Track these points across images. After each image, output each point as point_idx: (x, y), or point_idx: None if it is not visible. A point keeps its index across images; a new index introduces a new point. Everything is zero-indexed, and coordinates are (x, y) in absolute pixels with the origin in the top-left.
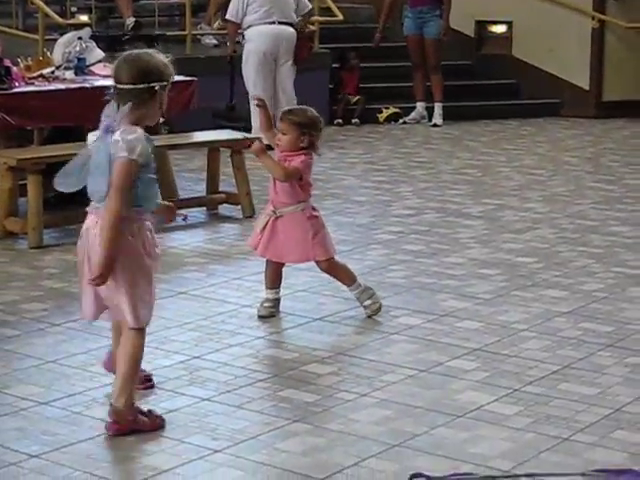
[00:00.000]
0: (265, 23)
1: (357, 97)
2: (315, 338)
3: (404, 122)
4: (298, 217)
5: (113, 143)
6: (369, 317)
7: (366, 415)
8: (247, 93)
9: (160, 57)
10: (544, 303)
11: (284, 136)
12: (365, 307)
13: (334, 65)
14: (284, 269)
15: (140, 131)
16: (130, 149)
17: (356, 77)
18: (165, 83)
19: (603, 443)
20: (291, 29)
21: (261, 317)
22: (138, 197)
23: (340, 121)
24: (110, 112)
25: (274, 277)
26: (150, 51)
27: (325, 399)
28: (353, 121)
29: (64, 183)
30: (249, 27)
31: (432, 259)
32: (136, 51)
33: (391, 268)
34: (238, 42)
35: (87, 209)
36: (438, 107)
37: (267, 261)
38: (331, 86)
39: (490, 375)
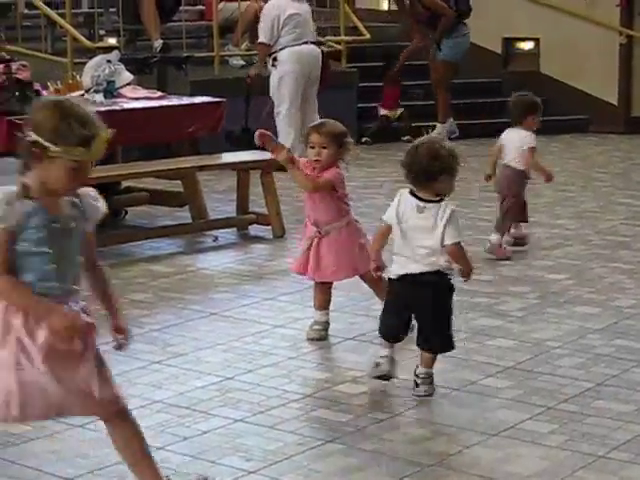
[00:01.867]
0: (300, 44)
1: (399, 111)
2: (347, 358)
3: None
4: (344, 232)
5: None
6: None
7: (400, 435)
8: (270, 113)
9: (80, 109)
10: (577, 320)
11: (325, 150)
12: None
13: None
14: None
15: (8, 191)
16: None
17: (398, 89)
18: (56, 148)
19: (639, 460)
20: (318, 49)
21: (310, 340)
22: (21, 270)
23: (368, 139)
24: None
25: (324, 298)
26: (85, 109)
27: (358, 419)
28: (404, 138)
29: None
30: (283, 49)
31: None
32: (69, 101)
33: None
34: (265, 64)
35: None
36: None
37: (315, 282)
38: (359, 105)
39: (524, 393)
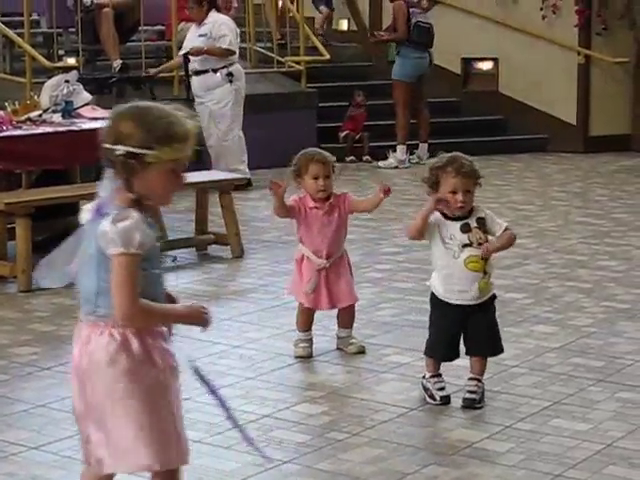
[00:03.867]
0: (237, 62)
1: (360, 134)
2: (306, 378)
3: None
4: (343, 258)
5: (100, 235)
6: (354, 353)
7: (357, 455)
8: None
9: (173, 117)
10: (534, 339)
11: (329, 179)
12: (351, 344)
13: (346, 103)
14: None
15: (135, 215)
16: (125, 241)
17: (362, 114)
18: (152, 152)
19: (595, 479)
20: None
21: (299, 357)
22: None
23: (354, 158)
24: (105, 186)
25: (311, 320)
26: (165, 106)
27: (316, 439)
28: (364, 158)
29: (47, 277)
30: (234, 64)
31: (422, 296)
32: (145, 103)
33: (381, 306)
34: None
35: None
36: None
37: (302, 307)
38: (319, 125)
39: (481, 412)
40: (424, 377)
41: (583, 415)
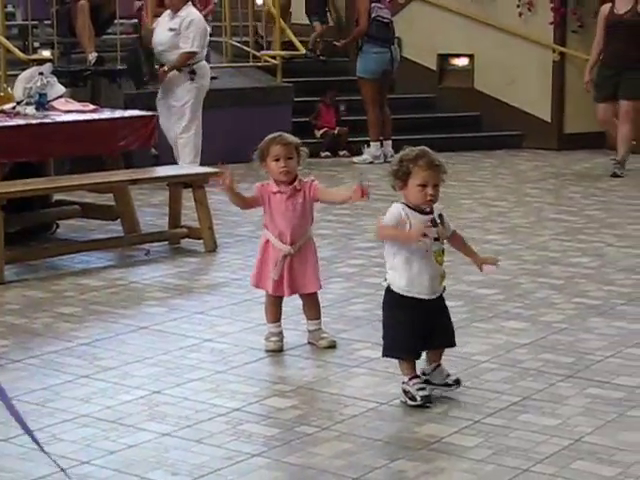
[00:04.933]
0: (204, 59)
1: (337, 129)
2: (275, 372)
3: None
4: (310, 245)
5: None
6: (325, 348)
7: (326, 449)
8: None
9: None
10: (505, 334)
11: (291, 160)
12: (322, 338)
13: (317, 98)
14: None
15: None
16: None
17: (332, 112)
18: None
19: (563, 474)
20: None
21: (270, 351)
22: None
23: (328, 153)
24: None
25: (279, 310)
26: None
27: (285, 433)
28: (341, 153)
29: None
30: (198, 62)
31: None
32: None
33: (353, 301)
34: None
35: None
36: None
37: (269, 296)
38: (294, 119)
39: (450, 407)
40: (403, 382)
41: (552, 410)
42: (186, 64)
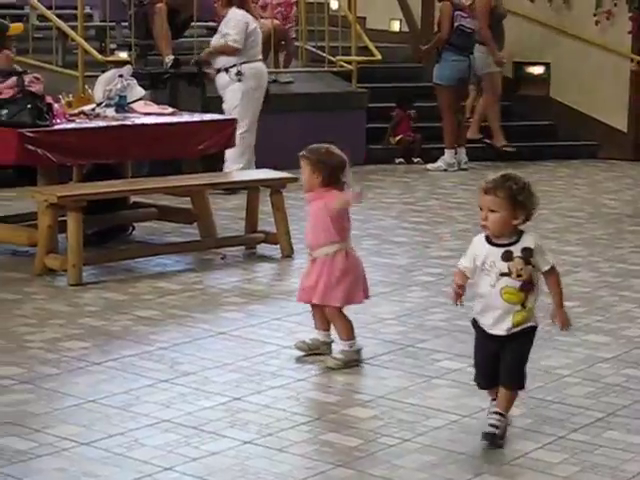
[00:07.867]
0: (258, 60)
1: (412, 136)
2: (356, 381)
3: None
4: (334, 260)
5: None
6: (327, 367)
7: (410, 461)
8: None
9: None
10: (587, 348)
11: (305, 174)
12: (333, 357)
13: (394, 104)
14: None
15: None
16: None
17: (407, 119)
18: None
19: None
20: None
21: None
22: None
23: (402, 160)
24: None
25: (317, 319)
26: None
27: (368, 444)
28: (415, 160)
29: None
30: (245, 62)
31: (473, 302)
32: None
33: (431, 310)
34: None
35: None
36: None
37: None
38: (369, 125)
39: (534, 422)
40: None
41: (637, 428)
42: (220, 54)
